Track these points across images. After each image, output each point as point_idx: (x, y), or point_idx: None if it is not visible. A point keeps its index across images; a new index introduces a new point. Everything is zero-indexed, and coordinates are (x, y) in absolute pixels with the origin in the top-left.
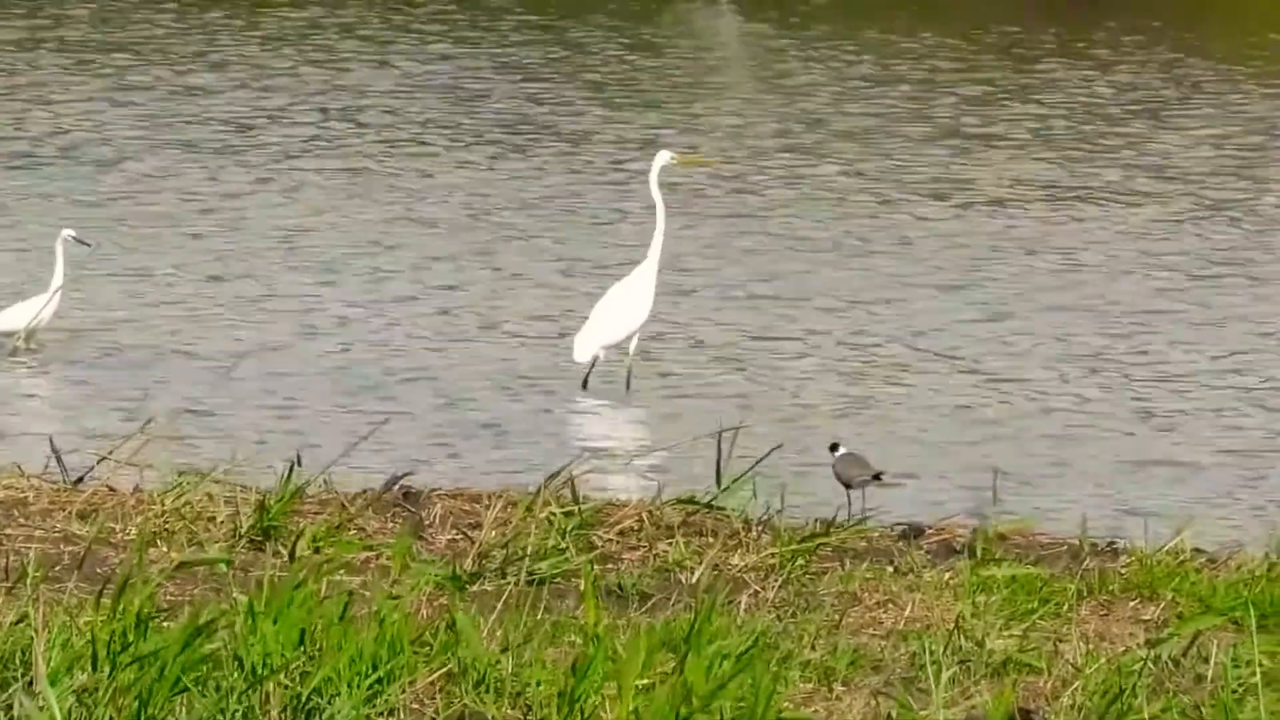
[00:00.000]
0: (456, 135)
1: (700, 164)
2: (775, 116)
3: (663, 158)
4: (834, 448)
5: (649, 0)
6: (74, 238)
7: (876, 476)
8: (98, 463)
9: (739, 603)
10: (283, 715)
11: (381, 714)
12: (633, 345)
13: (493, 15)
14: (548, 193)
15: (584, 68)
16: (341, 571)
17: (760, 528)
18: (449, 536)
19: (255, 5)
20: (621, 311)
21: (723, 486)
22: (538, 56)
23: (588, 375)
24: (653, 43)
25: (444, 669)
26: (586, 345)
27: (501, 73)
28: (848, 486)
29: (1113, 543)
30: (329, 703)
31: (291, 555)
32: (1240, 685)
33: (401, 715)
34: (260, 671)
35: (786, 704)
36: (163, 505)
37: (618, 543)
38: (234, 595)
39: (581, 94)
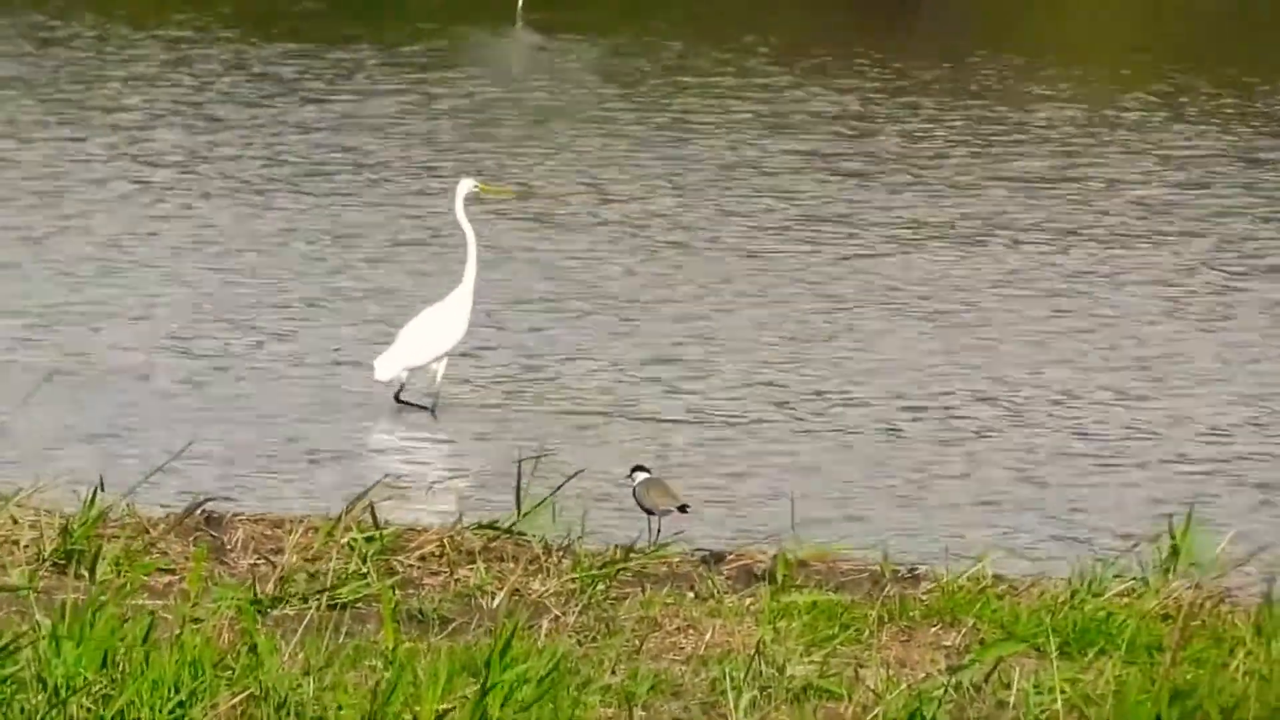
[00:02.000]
0: (256, 167)
1: (502, 193)
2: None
3: (465, 185)
4: (636, 470)
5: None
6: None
7: (682, 508)
8: None
9: (540, 627)
10: None
11: None
12: (440, 370)
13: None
14: (358, 220)
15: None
16: (145, 595)
17: (561, 553)
18: (251, 561)
19: None
20: (428, 334)
21: (523, 511)
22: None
23: (398, 393)
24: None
25: (246, 692)
26: (389, 365)
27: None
28: (649, 513)
29: (914, 569)
30: None
31: (92, 578)
32: (1042, 711)
33: None
34: (63, 693)
35: None
36: None
37: (419, 568)
38: (37, 618)
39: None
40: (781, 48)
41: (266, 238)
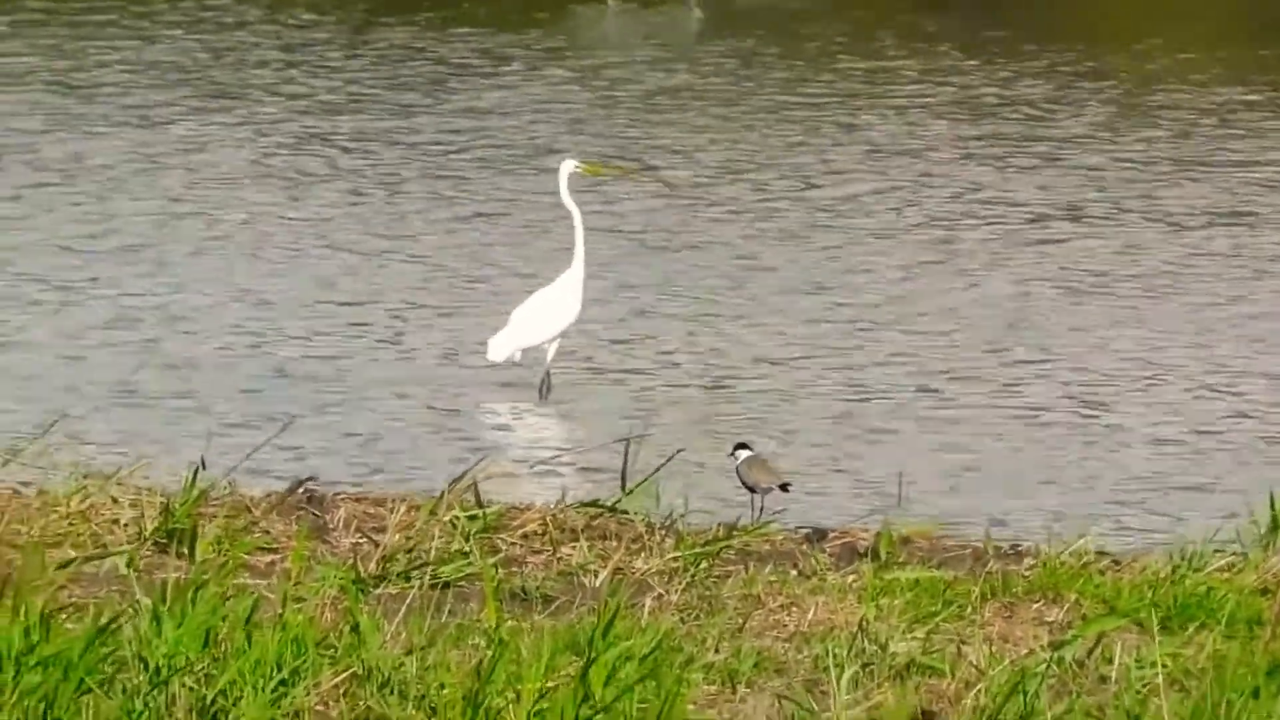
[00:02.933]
0: (370, 144)
1: (607, 172)
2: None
3: (568, 166)
4: (739, 448)
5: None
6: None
7: (784, 486)
8: (2, 465)
9: (643, 606)
10: (189, 716)
11: (287, 715)
12: (551, 352)
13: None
14: (463, 198)
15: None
16: (246, 574)
17: (664, 531)
18: (353, 540)
19: None
20: (541, 316)
21: (627, 490)
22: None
23: (542, 382)
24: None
25: (349, 671)
26: (502, 347)
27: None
28: (752, 491)
29: (1016, 545)
30: (235, 704)
31: (193, 557)
32: (1144, 686)
33: (307, 717)
34: (165, 673)
35: (690, 706)
36: (67, 507)
37: (521, 546)
38: (138, 597)
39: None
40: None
41: (384, 221)
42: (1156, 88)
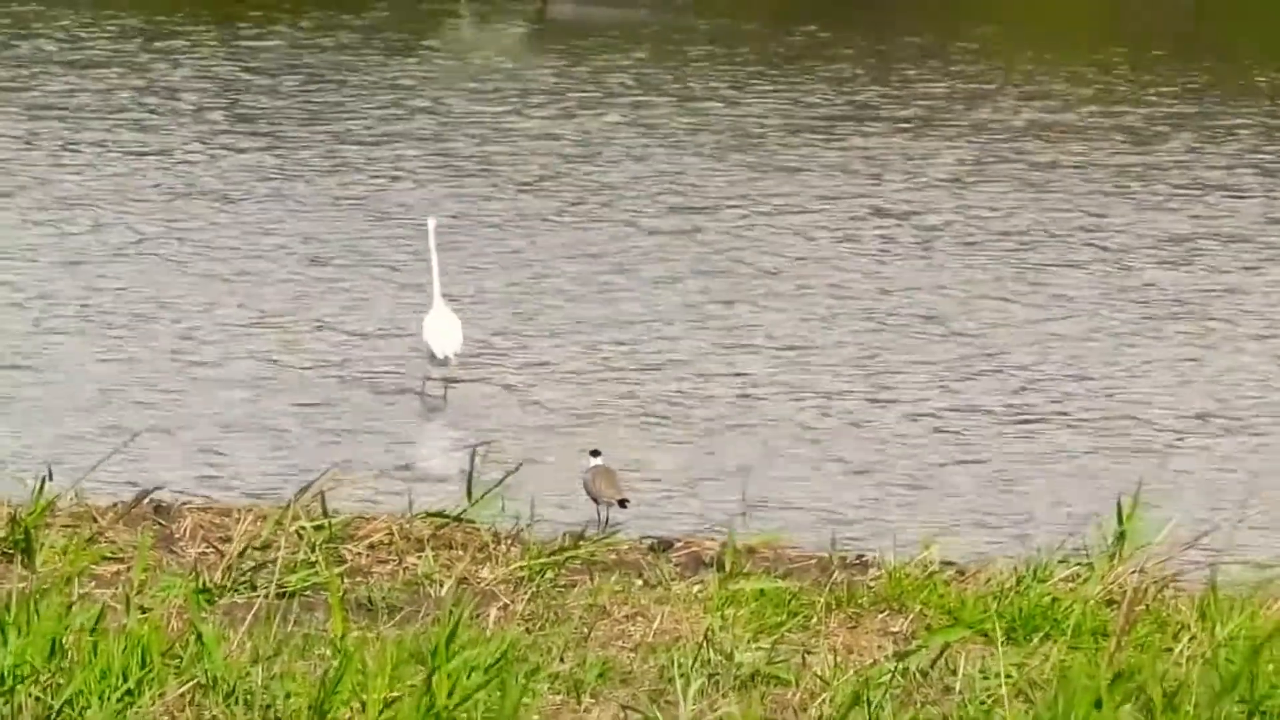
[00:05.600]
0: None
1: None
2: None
3: (433, 222)
4: (594, 454)
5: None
6: None
7: (622, 502)
8: None
9: (488, 615)
10: None
11: None
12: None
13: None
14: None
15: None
16: (93, 584)
17: (510, 541)
18: (199, 549)
19: None
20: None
21: (473, 500)
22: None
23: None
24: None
25: (194, 681)
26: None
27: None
28: (595, 500)
29: (861, 556)
30: (81, 714)
31: (37, 566)
32: (988, 697)
33: None
34: (10, 682)
35: (535, 717)
36: None
37: (368, 556)
38: None
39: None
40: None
41: (241, 225)
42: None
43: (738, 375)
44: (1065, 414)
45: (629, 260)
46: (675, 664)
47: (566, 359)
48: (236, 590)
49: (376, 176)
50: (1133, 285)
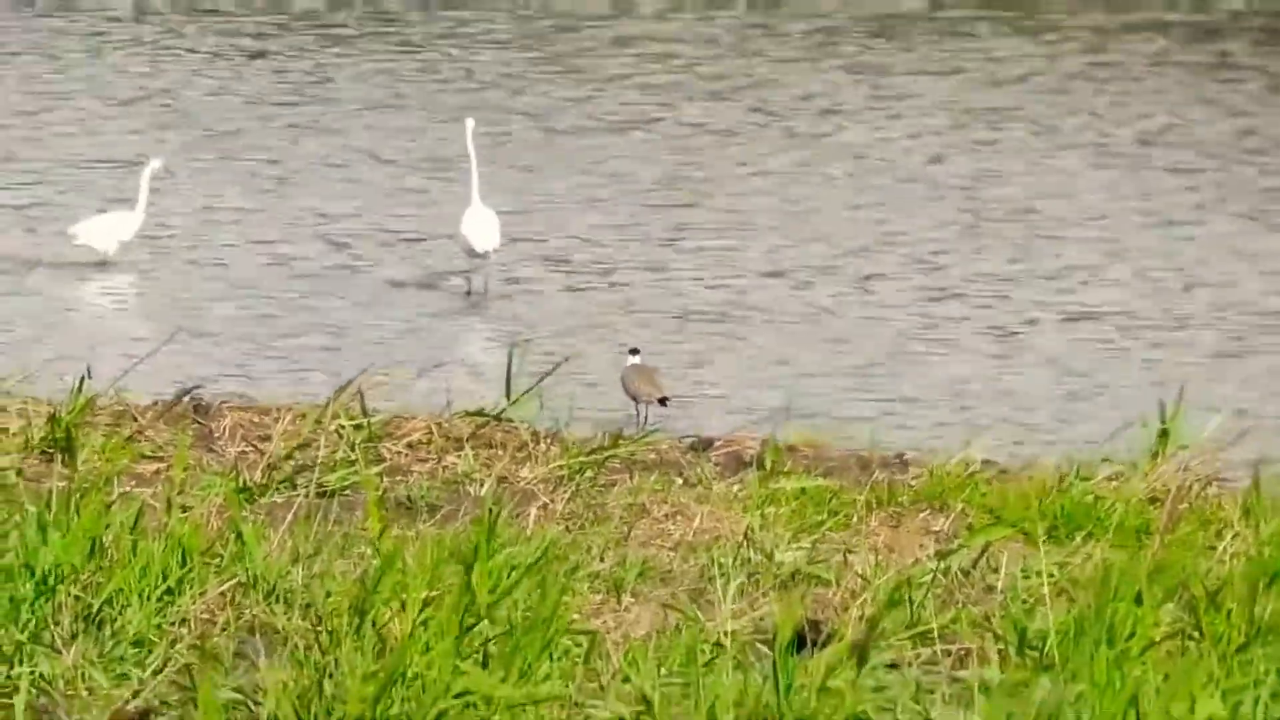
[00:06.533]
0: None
1: None
2: None
3: (470, 124)
4: (633, 352)
5: None
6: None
7: (662, 400)
8: None
9: (527, 514)
10: (74, 625)
11: (173, 624)
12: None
13: None
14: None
15: None
16: (132, 483)
17: (549, 439)
18: (238, 449)
19: None
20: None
21: (512, 399)
22: None
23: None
24: None
25: (234, 580)
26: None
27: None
28: (634, 400)
29: (902, 455)
30: (121, 613)
31: (77, 465)
32: (1030, 595)
33: (192, 626)
34: (51, 581)
35: (575, 615)
36: None
37: (407, 455)
38: (25, 506)
39: None
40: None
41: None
42: None
43: (780, 274)
44: (1116, 313)
45: (678, 160)
46: (715, 563)
47: (606, 256)
48: (276, 489)
49: (433, 79)
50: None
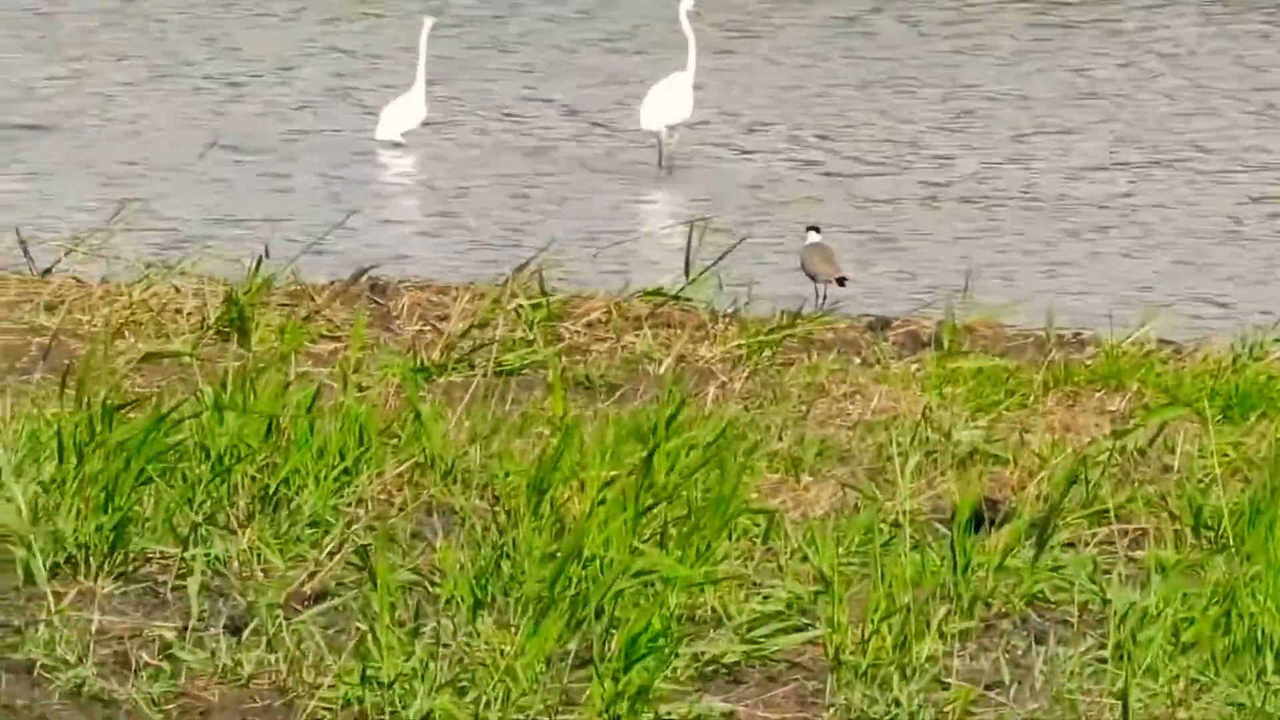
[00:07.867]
0: None
1: None
2: None
3: (686, 3)
4: (813, 230)
5: None
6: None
7: (840, 280)
8: (65, 254)
9: (706, 394)
10: (250, 506)
11: (349, 505)
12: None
13: None
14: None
15: None
16: (309, 363)
17: (727, 319)
18: (416, 328)
19: None
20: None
21: (690, 278)
22: None
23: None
24: None
25: (411, 460)
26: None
27: None
28: (812, 279)
29: (1079, 334)
30: (297, 493)
31: (253, 345)
32: (1205, 475)
33: (369, 506)
34: (227, 461)
35: (753, 494)
36: (130, 297)
37: (585, 334)
38: (201, 386)
39: None
40: None
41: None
42: None
43: (960, 154)
44: None
45: (859, 43)
46: (893, 442)
47: (789, 133)
48: (454, 369)
49: None
50: None
